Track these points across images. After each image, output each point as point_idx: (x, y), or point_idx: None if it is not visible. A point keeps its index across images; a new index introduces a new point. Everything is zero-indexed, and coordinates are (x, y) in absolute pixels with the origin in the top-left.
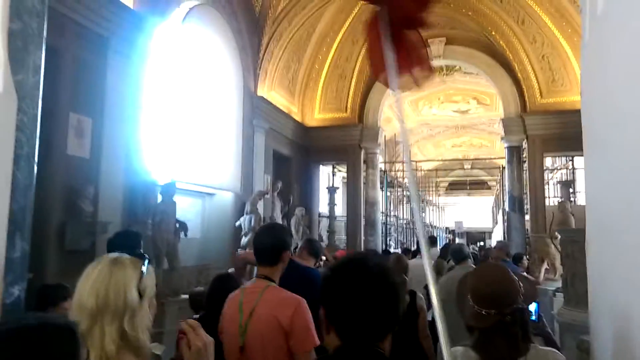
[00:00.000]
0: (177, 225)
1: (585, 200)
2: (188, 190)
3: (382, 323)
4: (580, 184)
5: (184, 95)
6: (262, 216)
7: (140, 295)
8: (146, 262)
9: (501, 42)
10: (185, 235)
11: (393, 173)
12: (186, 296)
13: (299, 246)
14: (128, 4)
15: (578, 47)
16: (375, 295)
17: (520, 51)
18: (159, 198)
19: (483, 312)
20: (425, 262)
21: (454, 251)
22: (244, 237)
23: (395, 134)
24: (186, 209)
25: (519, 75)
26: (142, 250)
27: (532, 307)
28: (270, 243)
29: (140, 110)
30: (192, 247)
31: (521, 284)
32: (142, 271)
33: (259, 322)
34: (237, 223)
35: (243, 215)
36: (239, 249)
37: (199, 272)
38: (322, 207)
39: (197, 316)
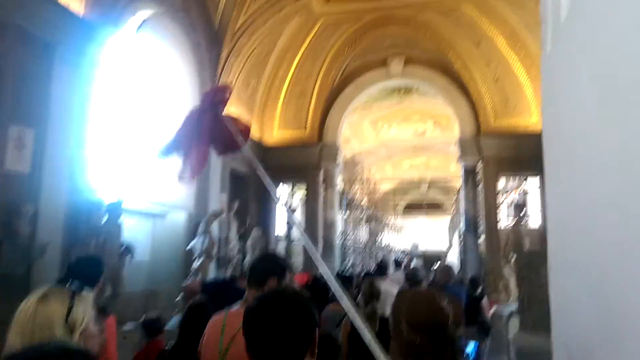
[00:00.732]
0: (123, 248)
1: (546, 221)
2: (137, 210)
3: (297, 349)
4: (532, 207)
5: (136, 108)
6: (216, 238)
7: (71, 329)
8: (84, 291)
9: (457, 64)
10: (132, 258)
11: (352, 194)
12: (131, 326)
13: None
14: (78, 11)
15: (531, 70)
16: (289, 324)
17: (476, 73)
18: (104, 218)
19: (414, 339)
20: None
21: (409, 275)
22: (196, 260)
23: (354, 155)
24: (135, 230)
25: (474, 97)
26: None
27: (470, 347)
28: (260, 266)
29: (88, 123)
30: (140, 271)
31: (449, 310)
32: (70, 305)
33: (240, 347)
34: (190, 245)
35: (196, 236)
36: (189, 276)
37: (147, 298)
38: (280, 228)
39: (168, 346)
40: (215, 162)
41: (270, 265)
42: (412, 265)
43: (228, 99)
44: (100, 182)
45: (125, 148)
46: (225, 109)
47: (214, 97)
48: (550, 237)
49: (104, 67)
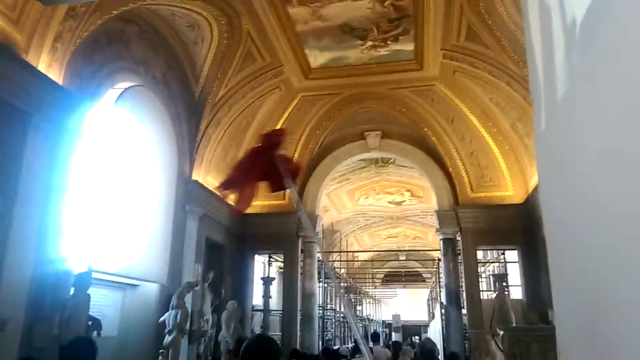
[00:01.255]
0: (90, 322)
1: (553, 301)
2: (107, 281)
3: None
4: (513, 277)
5: (111, 177)
6: (189, 311)
7: None
8: None
9: (433, 138)
10: (99, 334)
11: (330, 263)
12: None
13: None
14: (56, 80)
15: (503, 146)
16: None
17: (451, 147)
18: (72, 290)
19: None
20: None
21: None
22: (167, 335)
23: (332, 223)
24: (103, 303)
25: (451, 169)
26: None
27: None
28: (254, 344)
29: (62, 191)
30: (107, 347)
31: None
32: None
33: None
34: (162, 319)
35: (168, 309)
36: (160, 352)
37: None
38: (257, 300)
39: None
40: (191, 229)
41: (267, 350)
42: (393, 338)
43: (283, 141)
44: (71, 251)
45: (99, 216)
46: (280, 150)
47: (272, 139)
48: (560, 328)
49: (80, 137)
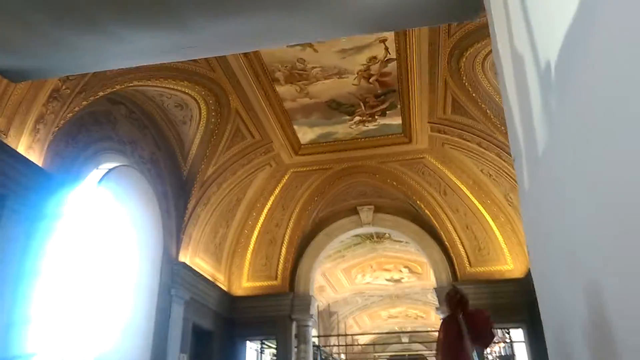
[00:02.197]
0: None
1: None
2: None
3: None
4: (520, 358)
5: (91, 260)
6: None
7: None
8: None
9: (426, 211)
10: None
11: (328, 348)
12: None
13: None
14: (36, 161)
15: (499, 218)
16: None
17: (446, 220)
18: None
19: None
20: None
21: None
22: None
23: (329, 304)
24: None
25: (447, 243)
26: None
27: None
28: None
29: (34, 277)
30: None
31: None
32: None
33: None
34: None
35: None
36: None
37: None
38: None
39: None
40: (176, 315)
41: None
42: None
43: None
44: (40, 339)
45: (75, 302)
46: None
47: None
48: None
49: (59, 219)
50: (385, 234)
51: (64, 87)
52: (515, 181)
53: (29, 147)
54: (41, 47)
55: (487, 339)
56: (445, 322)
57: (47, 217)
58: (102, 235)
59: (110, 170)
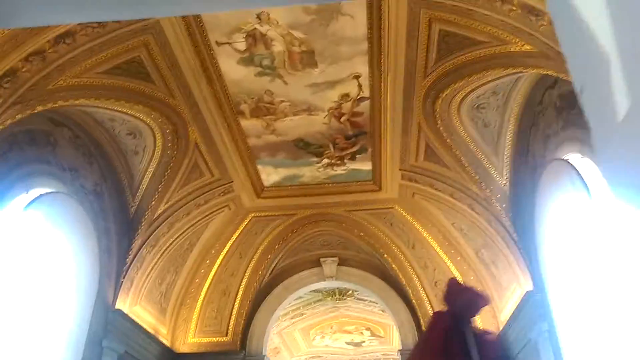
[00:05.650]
0: None
1: None
2: None
3: None
4: None
5: (4, 298)
6: None
7: None
8: None
9: (394, 266)
10: None
11: None
12: None
13: None
14: None
15: (468, 275)
16: None
17: (413, 276)
18: None
19: None
20: None
21: None
22: None
23: None
24: None
25: (414, 301)
26: None
27: None
28: None
29: None
30: None
31: None
32: None
33: None
34: None
35: None
36: None
37: None
38: None
39: None
40: None
41: None
42: None
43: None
44: None
45: None
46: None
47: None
48: None
49: None
50: (349, 291)
51: None
52: (488, 235)
53: None
54: None
55: None
56: (443, 330)
57: None
58: (22, 270)
59: (42, 195)
